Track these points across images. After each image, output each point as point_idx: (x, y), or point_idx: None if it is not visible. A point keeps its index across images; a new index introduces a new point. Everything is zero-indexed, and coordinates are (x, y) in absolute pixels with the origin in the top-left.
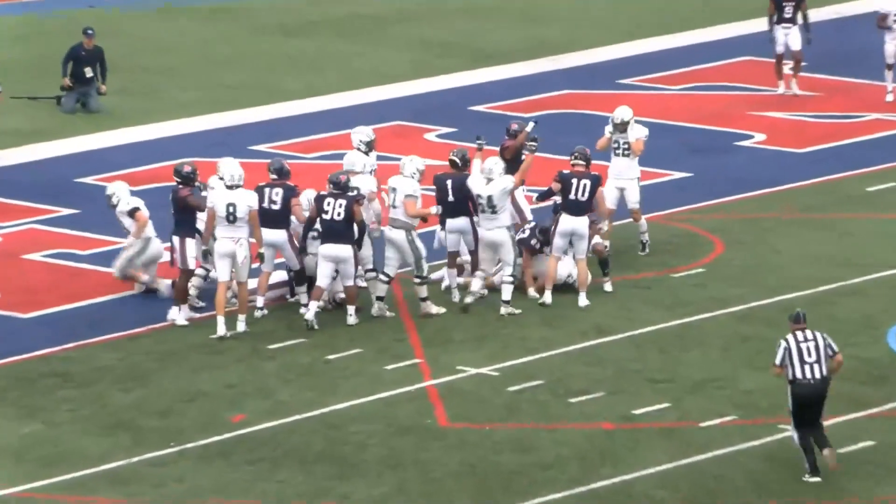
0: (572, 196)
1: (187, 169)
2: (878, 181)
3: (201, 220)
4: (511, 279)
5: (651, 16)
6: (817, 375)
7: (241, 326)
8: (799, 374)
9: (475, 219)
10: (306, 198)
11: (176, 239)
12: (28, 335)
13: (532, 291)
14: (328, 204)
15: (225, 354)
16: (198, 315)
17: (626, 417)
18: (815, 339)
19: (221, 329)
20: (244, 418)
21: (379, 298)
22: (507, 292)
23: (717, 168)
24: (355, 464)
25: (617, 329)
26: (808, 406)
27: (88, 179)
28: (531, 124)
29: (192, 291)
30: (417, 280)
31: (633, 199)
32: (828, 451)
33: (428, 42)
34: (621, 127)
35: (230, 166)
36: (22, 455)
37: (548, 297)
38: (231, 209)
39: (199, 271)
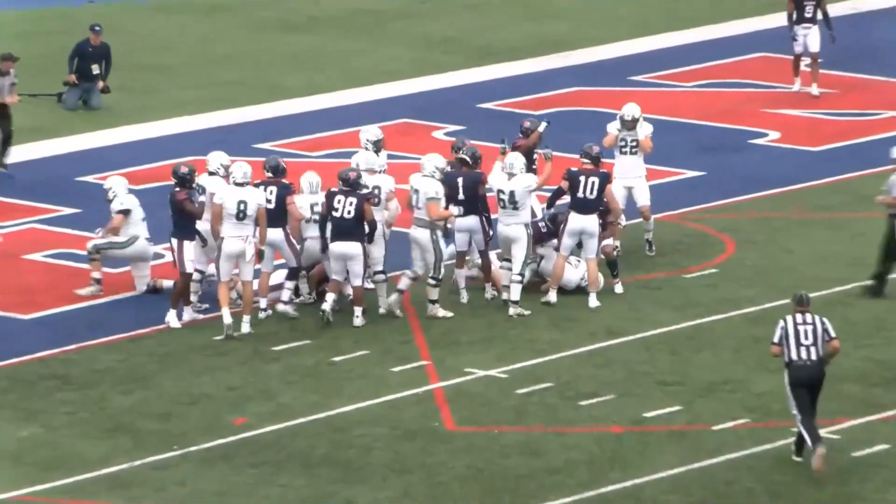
0: (580, 194)
1: (184, 170)
2: None
3: (202, 221)
4: (519, 278)
5: (662, 11)
6: (813, 357)
7: (245, 328)
8: (794, 356)
9: (491, 216)
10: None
11: (174, 241)
12: (27, 336)
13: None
14: (338, 202)
15: (227, 356)
16: (201, 316)
17: (636, 420)
18: (813, 322)
19: (227, 318)
20: (247, 421)
21: (399, 291)
22: (515, 292)
23: (729, 167)
24: (360, 467)
25: (627, 331)
26: (803, 388)
27: (89, 178)
28: (543, 124)
29: (193, 297)
30: (432, 281)
31: (644, 198)
32: (820, 450)
33: (431, 38)
34: (630, 124)
35: (219, 158)
36: (21, 458)
37: (552, 296)
38: (242, 206)
39: (195, 275)
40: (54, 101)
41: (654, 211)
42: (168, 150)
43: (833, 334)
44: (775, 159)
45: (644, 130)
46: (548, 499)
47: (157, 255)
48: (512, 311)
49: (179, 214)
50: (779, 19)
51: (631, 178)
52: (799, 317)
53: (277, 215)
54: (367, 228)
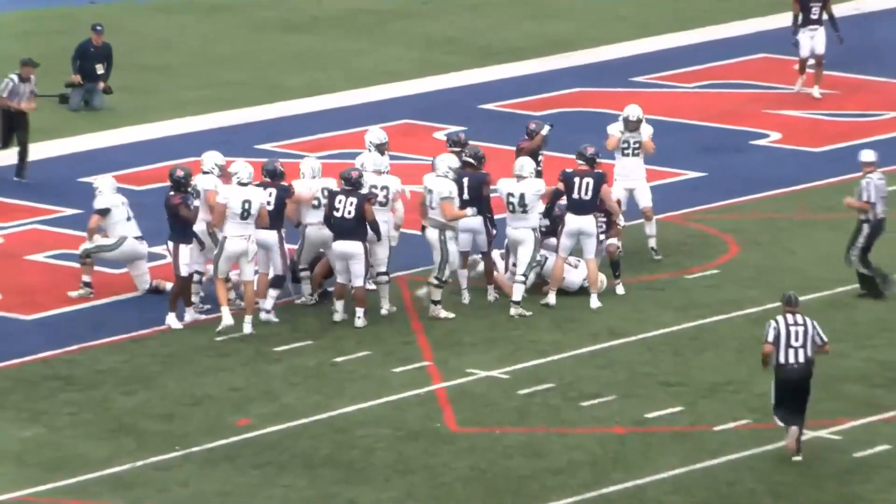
0: (576, 195)
1: (179, 174)
2: None
3: (199, 222)
4: (522, 279)
5: (664, 12)
6: (801, 359)
7: (247, 328)
8: (782, 359)
9: (494, 216)
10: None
11: (170, 244)
12: (30, 337)
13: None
14: (339, 201)
15: (230, 357)
16: (203, 317)
17: (638, 421)
18: (804, 323)
19: (228, 320)
20: (250, 422)
21: (434, 303)
22: (518, 293)
23: (731, 168)
24: (363, 468)
25: (629, 331)
26: (790, 390)
27: (91, 179)
28: (547, 127)
29: (195, 298)
30: (435, 282)
31: (646, 199)
32: (793, 430)
33: (433, 39)
34: (634, 125)
35: (214, 158)
36: (24, 459)
37: (552, 298)
38: (247, 206)
39: (195, 276)
40: (55, 101)
41: (657, 212)
42: (170, 150)
43: (825, 339)
44: (777, 160)
45: (646, 131)
46: (550, 499)
47: (159, 256)
48: (513, 311)
49: (174, 218)
50: (780, 20)
51: (633, 179)
52: (790, 317)
53: (275, 217)
54: (368, 229)
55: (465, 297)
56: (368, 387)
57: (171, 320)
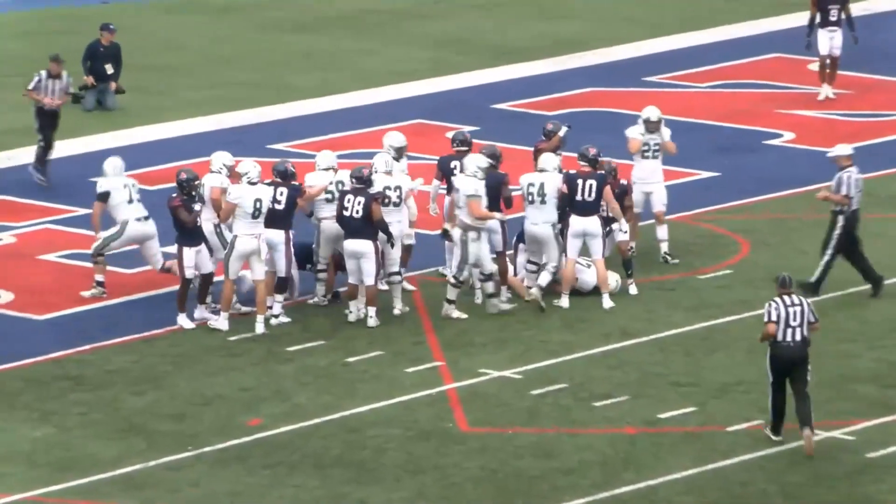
0: (579, 197)
1: (182, 176)
2: None
3: (205, 222)
4: (554, 269)
5: (676, 12)
6: (797, 338)
7: (259, 328)
8: (780, 337)
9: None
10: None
11: (175, 246)
12: (41, 337)
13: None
14: (348, 200)
15: (241, 357)
16: (212, 317)
17: (649, 422)
18: (801, 303)
19: (224, 325)
20: (261, 422)
21: (490, 295)
22: (544, 279)
23: (744, 167)
24: (373, 468)
25: (641, 332)
26: (786, 368)
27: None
28: (565, 129)
29: (208, 298)
30: (453, 280)
31: (661, 202)
32: (807, 432)
33: (444, 39)
34: (655, 126)
35: (222, 158)
36: (34, 459)
37: (564, 301)
38: (258, 205)
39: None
40: (68, 101)
41: (669, 212)
42: (183, 150)
43: (817, 317)
44: (790, 160)
45: (666, 132)
46: (561, 500)
47: (171, 255)
48: (534, 290)
49: (174, 220)
50: (793, 20)
51: (651, 182)
52: (786, 298)
53: (284, 217)
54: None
55: (478, 297)
56: (380, 387)
57: (182, 320)
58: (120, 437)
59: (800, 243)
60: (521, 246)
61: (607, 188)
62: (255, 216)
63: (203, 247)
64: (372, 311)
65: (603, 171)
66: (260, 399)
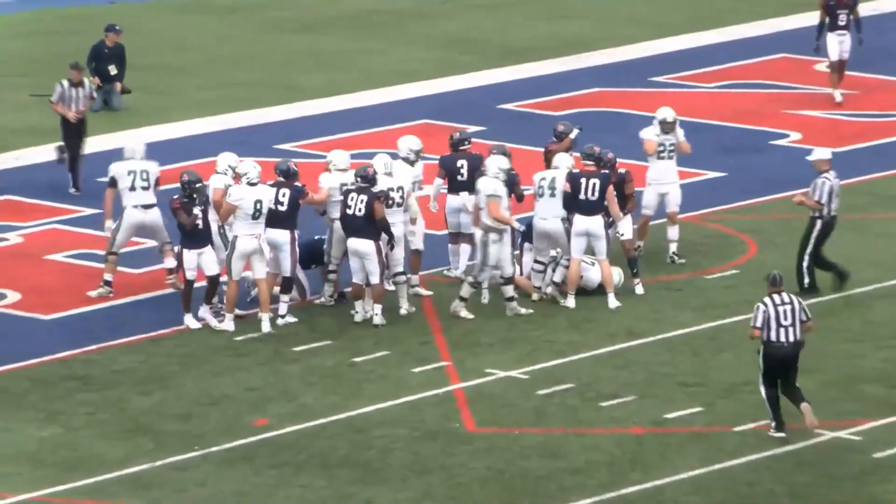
0: (582, 196)
1: (184, 178)
2: None
3: (212, 223)
4: (567, 264)
5: (683, 12)
6: (791, 338)
7: (265, 327)
8: (773, 337)
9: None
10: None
11: (178, 247)
12: (48, 337)
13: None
14: (351, 199)
15: (247, 357)
16: (214, 319)
17: (656, 422)
18: (791, 302)
19: (230, 326)
20: (267, 422)
21: (510, 298)
22: (559, 274)
23: (751, 168)
24: (380, 468)
25: (647, 332)
26: (779, 368)
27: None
28: (576, 130)
29: (214, 298)
30: (471, 279)
31: (675, 203)
32: (805, 406)
33: (450, 39)
34: (670, 126)
35: (228, 159)
36: (41, 459)
37: (571, 301)
38: (258, 205)
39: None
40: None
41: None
42: (189, 151)
43: (809, 315)
44: (796, 160)
45: (680, 132)
46: (568, 500)
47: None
48: (549, 290)
49: (175, 221)
50: (800, 20)
51: (666, 183)
52: (776, 297)
53: (287, 217)
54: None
55: (485, 297)
56: (386, 387)
57: (189, 320)
58: (127, 437)
59: None
60: (526, 245)
61: (610, 188)
62: (255, 217)
63: (208, 248)
64: (378, 308)
65: (606, 171)
66: (266, 399)
